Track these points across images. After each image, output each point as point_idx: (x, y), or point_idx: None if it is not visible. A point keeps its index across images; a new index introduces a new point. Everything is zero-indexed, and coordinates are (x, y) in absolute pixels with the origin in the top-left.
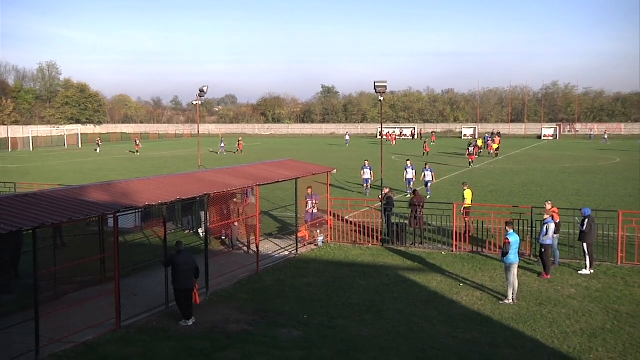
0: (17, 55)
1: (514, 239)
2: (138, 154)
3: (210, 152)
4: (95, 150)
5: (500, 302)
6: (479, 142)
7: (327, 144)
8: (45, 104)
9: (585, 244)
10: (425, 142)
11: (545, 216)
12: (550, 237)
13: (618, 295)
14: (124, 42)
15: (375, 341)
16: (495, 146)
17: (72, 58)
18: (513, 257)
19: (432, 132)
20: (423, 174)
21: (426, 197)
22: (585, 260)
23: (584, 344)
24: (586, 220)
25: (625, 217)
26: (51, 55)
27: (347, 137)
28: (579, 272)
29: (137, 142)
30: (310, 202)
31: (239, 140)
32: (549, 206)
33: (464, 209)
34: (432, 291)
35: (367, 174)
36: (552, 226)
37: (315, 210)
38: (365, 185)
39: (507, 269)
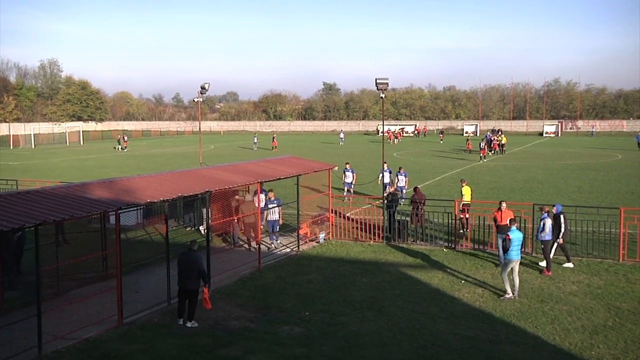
0: (18, 52)
1: (515, 235)
2: (126, 150)
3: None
4: (115, 148)
5: (501, 297)
6: (503, 139)
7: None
8: (47, 101)
9: (561, 240)
10: (468, 140)
11: (543, 212)
12: (547, 232)
13: (619, 292)
14: (125, 39)
15: (377, 338)
16: (504, 140)
17: (73, 55)
18: (514, 254)
19: (441, 131)
20: (397, 178)
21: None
22: (566, 255)
23: (586, 341)
24: (562, 217)
25: (627, 214)
26: (52, 53)
27: (342, 135)
28: (563, 265)
29: (126, 138)
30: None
31: (273, 137)
32: (504, 206)
33: (462, 205)
34: (434, 288)
35: (349, 177)
36: (548, 222)
37: (276, 217)
38: (346, 189)
39: (505, 264)
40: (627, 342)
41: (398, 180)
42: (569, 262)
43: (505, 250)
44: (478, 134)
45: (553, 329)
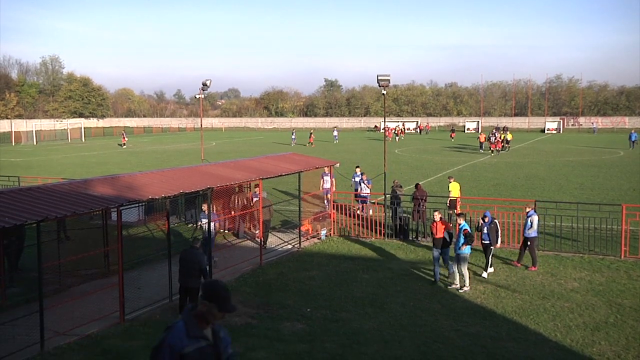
0: (20, 49)
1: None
2: (125, 147)
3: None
4: (121, 144)
5: (460, 290)
6: (509, 136)
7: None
8: (49, 97)
9: (498, 245)
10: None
11: (528, 209)
12: (535, 229)
13: (621, 288)
14: (127, 36)
15: (379, 334)
16: (509, 136)
17: (75, 51)
18: (469, 247)
19: (452, 129)
20: (360, 186)
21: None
22: (489, 263)
23: (587, 338)
24: (497, 222)
25: (629, 211)
26: (54, 49)
27: (336, 133)
28: (482, 275)
29: (124, 134)
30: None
31: (310, 134)
32: (438, 216)
33: (449, 201)
34: (435, 284)
35: (327, 182)
36: (535, 218)
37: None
38: (325, 196)
39: (464, 259)
40: (628, 339)
41: (361, 188)
42: (489, 269)
43: (471, 241)
44: (479, 131)
45: (554, 326)
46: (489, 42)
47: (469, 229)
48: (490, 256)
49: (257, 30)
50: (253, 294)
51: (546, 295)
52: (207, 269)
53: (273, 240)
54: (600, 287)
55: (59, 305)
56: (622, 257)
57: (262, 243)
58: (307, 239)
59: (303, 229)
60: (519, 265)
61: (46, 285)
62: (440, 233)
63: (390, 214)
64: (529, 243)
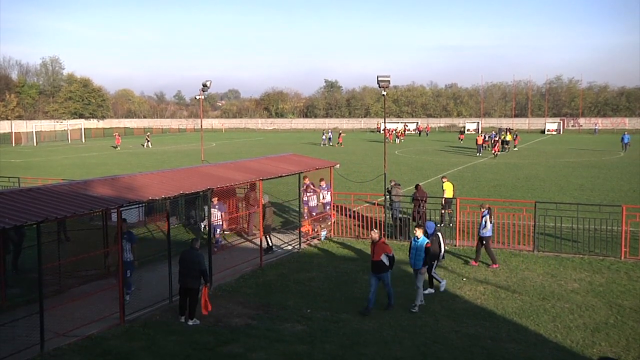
0: (20, 50)
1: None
2: (118, 149)
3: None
4: (143, 145)
5: (412, 310)
6: (509, 137)
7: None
8: (49, 98)
9: (443, 260)
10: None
11: (483, 209)
12: (488, 229)
13: (621, 289)
14: (127, 37)
15: (379, 335)
16: (508, 137)
17: (75, 52)
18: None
19: (460, 130)
20: (322, 195)
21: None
22: (440, 280)
23: (587, 339)
24: (439, 235)
25: (629, 212)
26: (54, 50)
27: (330, 134)
28: (425, 291)
29: (117, 135)
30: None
31: (339, 134)
32: (375, 235)
33: (443, 201)
34: (435, 285)
35: (312, 200)
36: (488, 218)
37: (130, 256)
38: (307, 210)
39: (422, 274)
40: (628, 340)
41: (324, 198)
42: (432, 288)
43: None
44: (480, 132)
45: (554, 327)
46: (489, 43)
47: (431, 243)
48: (434, 271)
49: (257, 31)
50: (253, 295)
51: (546, 296)
52: (207, 269)
53: (273, 241)
54: (600, 288)
55: (59, 306)
56: (622, 258)
57: (266, 246)
58: (307, 239)
59: (303, 229)
60: (476, 264)
61: (46, 286)
62: (377, 255)
63: (391, 215)
64: (484, 242)
